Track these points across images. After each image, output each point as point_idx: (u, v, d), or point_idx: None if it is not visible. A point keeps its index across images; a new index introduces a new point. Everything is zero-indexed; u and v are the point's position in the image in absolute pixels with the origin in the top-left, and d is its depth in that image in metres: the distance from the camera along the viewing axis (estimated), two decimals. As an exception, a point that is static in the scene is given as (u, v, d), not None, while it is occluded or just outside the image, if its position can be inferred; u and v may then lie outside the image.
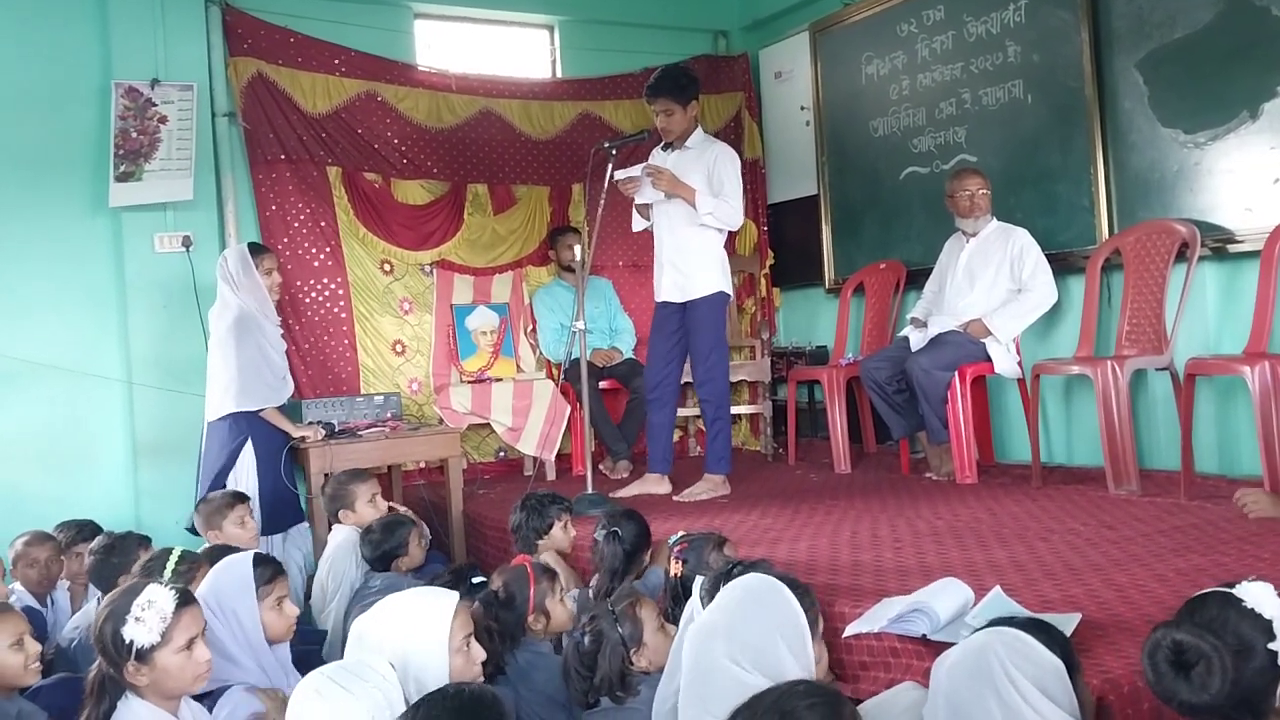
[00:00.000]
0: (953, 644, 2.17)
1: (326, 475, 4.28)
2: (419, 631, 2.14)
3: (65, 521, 3.96)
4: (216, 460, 4.22)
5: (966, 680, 1.66)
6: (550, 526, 3.55)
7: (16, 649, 2.42)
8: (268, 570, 2.62)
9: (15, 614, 2.48)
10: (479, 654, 2.24)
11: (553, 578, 2.88)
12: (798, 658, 1.95)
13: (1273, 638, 1.58)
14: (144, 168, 4.85)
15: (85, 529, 3.86)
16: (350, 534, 3.77)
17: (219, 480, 4.17)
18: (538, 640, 2.79)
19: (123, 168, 4.81)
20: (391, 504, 4.17)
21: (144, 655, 2.12)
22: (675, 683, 2.24)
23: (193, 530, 3.92)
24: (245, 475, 4.23)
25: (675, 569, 2.82)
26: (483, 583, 2.88)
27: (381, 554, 3.55)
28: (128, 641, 2.12)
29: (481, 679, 2.23)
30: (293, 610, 2.68)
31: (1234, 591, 1.65)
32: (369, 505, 3.90)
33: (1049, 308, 4.53)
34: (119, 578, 3.16)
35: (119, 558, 3.25)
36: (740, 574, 2.30)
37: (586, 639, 2.50)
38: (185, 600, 2.22)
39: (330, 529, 4.00)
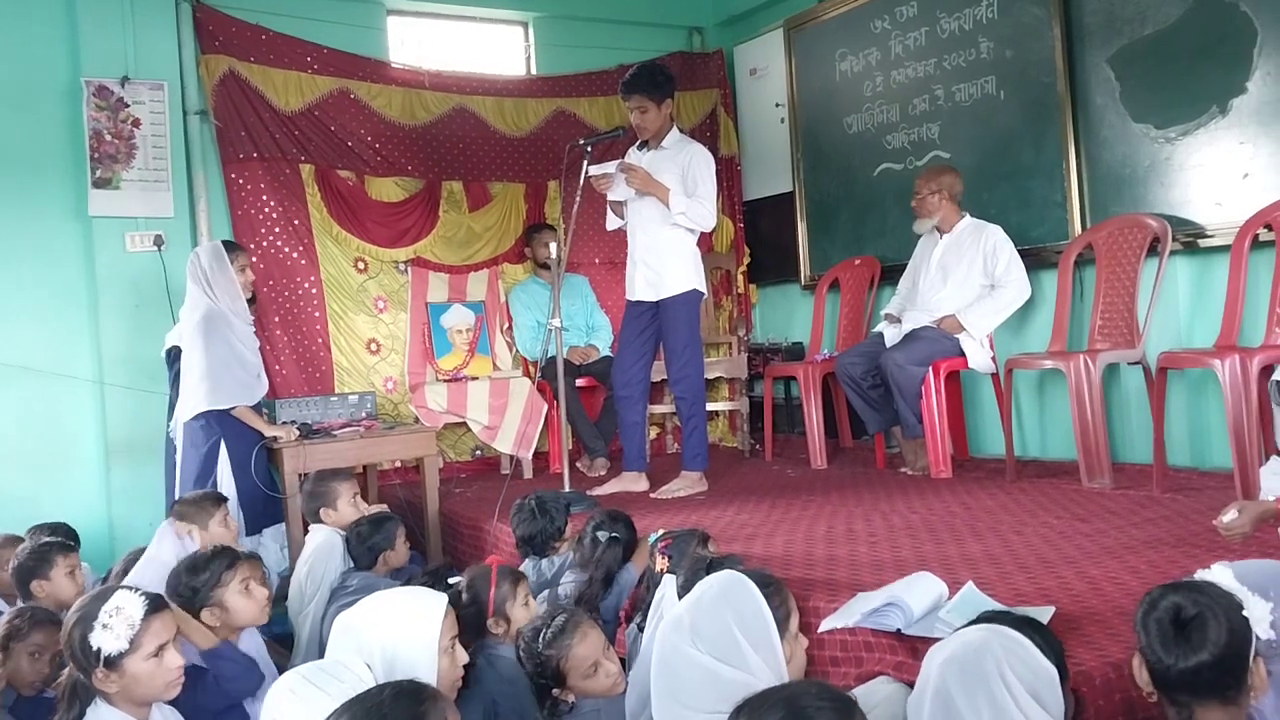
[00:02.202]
0: (927, 638, 2.18)
1: (301, 475, 4.24)
2: (410, 630, 2.12)
3: (38, 525, 3.92)
4: (193, 463, 4.13)
5: (959, 676, 1.67)
6: (564, 529, 3.49)
7: None
8: (225, 559, 2.63)
9: None
10: (462, 656, 2.23)
11: (516, 581, 2.80)
12: (761, 653, 1.94)
13: (1242, 607, 1.65)
14: (121, 175, 4.80)
15: (58, 531, 3.82)
16: (330, 535, 3.69)
17: (199, 485, 4.05)
18: (497, 643, 2.71)
19: (99, 172, 4.76)
20: (377, 506, 4.11)
21: (112, 662, 2.10)
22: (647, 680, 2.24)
23: None
24: (223, 476, 4.15)
25: (661, 564, 2.82)
26: (459, 583, 2.85)
27: (368, 547, 3.53)
28: (95, 648, 2.10)
29: (462, 681, 2.23)
30: (261, 592, 2.67)
31: (1195, 577, 1.74)
32: (350, 505, 3.82)
33: (1022, 303, 4.55)
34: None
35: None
36: (713, 571, 2.30)
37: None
38: (155, 607, 2.19)
39: (307, 530, 3.93)
